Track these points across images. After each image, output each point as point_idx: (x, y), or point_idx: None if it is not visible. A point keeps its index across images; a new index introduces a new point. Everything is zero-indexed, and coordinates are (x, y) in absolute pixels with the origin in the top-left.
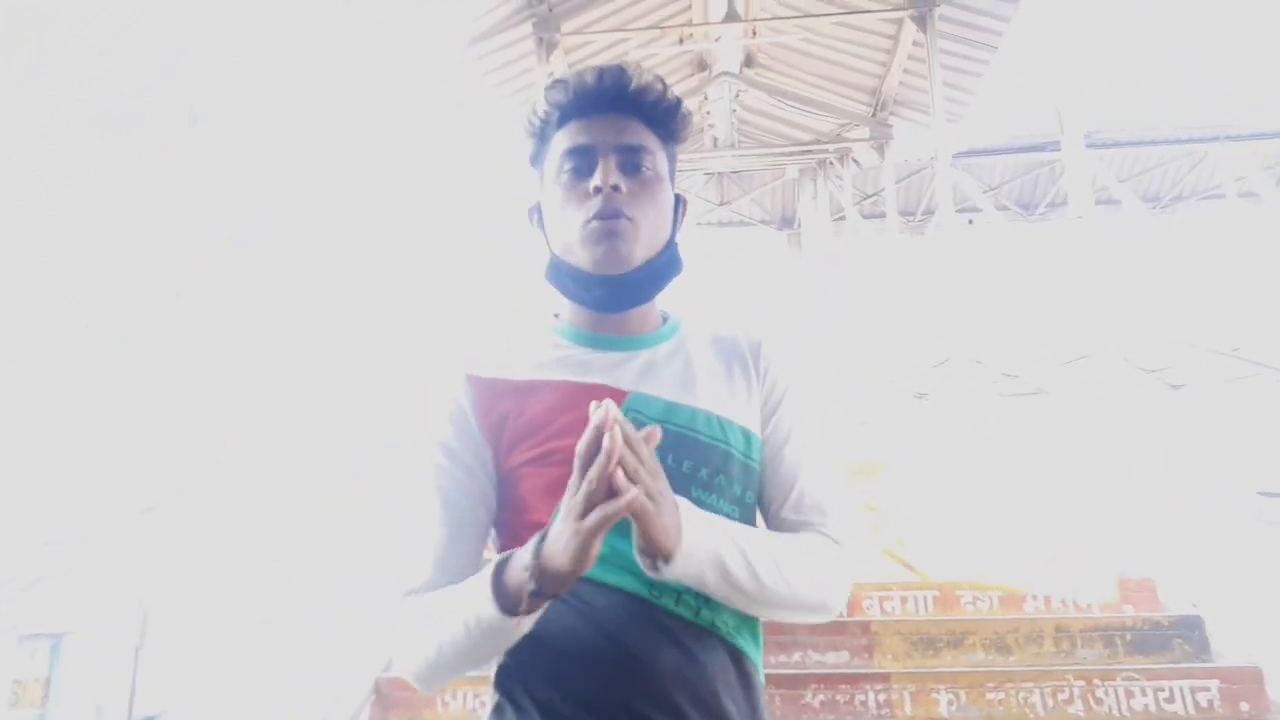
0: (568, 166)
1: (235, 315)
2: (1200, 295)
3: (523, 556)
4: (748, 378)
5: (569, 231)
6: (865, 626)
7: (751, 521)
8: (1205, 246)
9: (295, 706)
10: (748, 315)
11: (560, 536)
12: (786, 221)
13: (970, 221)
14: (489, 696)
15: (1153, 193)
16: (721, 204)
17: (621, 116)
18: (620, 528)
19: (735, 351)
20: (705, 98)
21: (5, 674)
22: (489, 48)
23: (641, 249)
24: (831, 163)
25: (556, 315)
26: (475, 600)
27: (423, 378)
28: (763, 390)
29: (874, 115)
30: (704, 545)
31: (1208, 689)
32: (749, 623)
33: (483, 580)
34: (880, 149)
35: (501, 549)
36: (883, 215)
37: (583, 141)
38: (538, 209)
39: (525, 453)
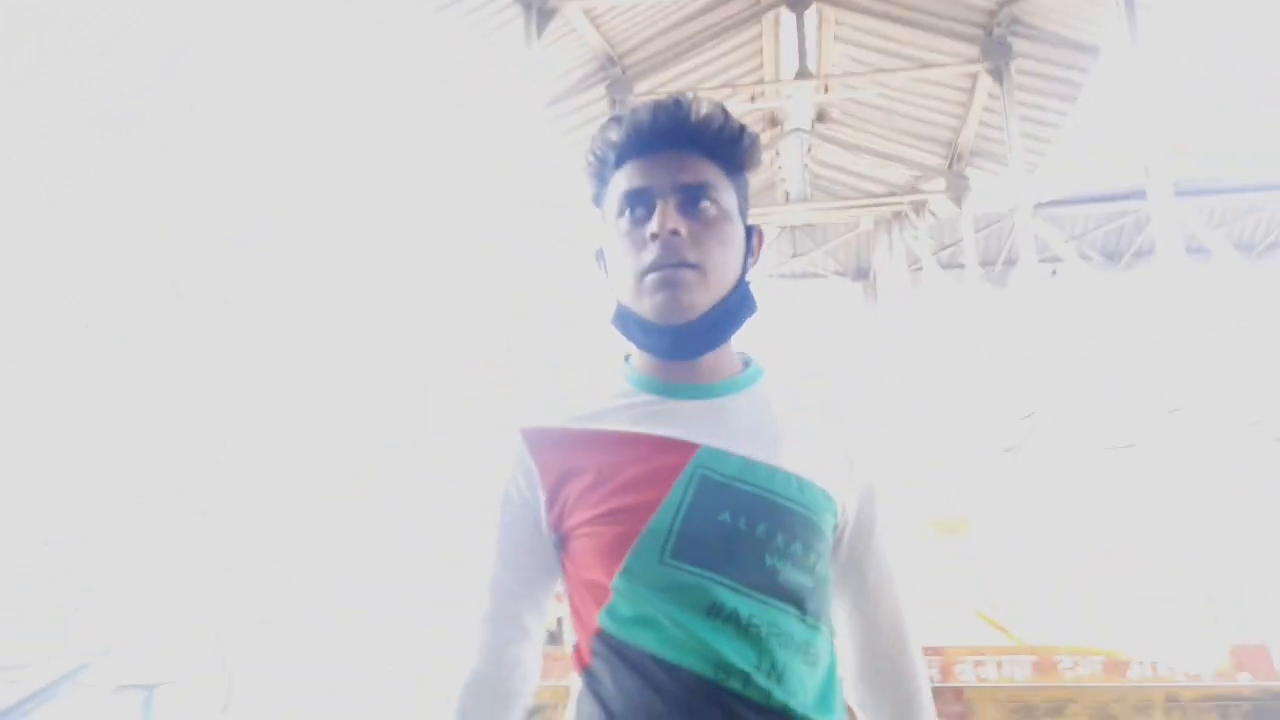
0: (626, 210)
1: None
2: None
3: None
4: (839, 439)
5: (628, 279)
6: (959, 693)
7: (826, 595)
8: None
9: None
10: (827, 369)
11: None
12: (861, 273)
13: (1054, 272)
14: None
15: (1246, 240)
16: (795, 256)
17: (681, 153)
18: (689, 601)
19: (826, 413)
20: (777, 153)
21: None
22: (565, 109)
23: (706, 295)
24: (907, 214)
25: (627, 358)
26: None
27: (480, 436)
28: (855, 459)
29: (950, 167)
30: None
31: None
32: (831, 702)
33: None
34: (958, 200)
35: (574, 605)
36: (961, 266)
37: (640, 184)
38: (603, 254)
39: (586, 510)
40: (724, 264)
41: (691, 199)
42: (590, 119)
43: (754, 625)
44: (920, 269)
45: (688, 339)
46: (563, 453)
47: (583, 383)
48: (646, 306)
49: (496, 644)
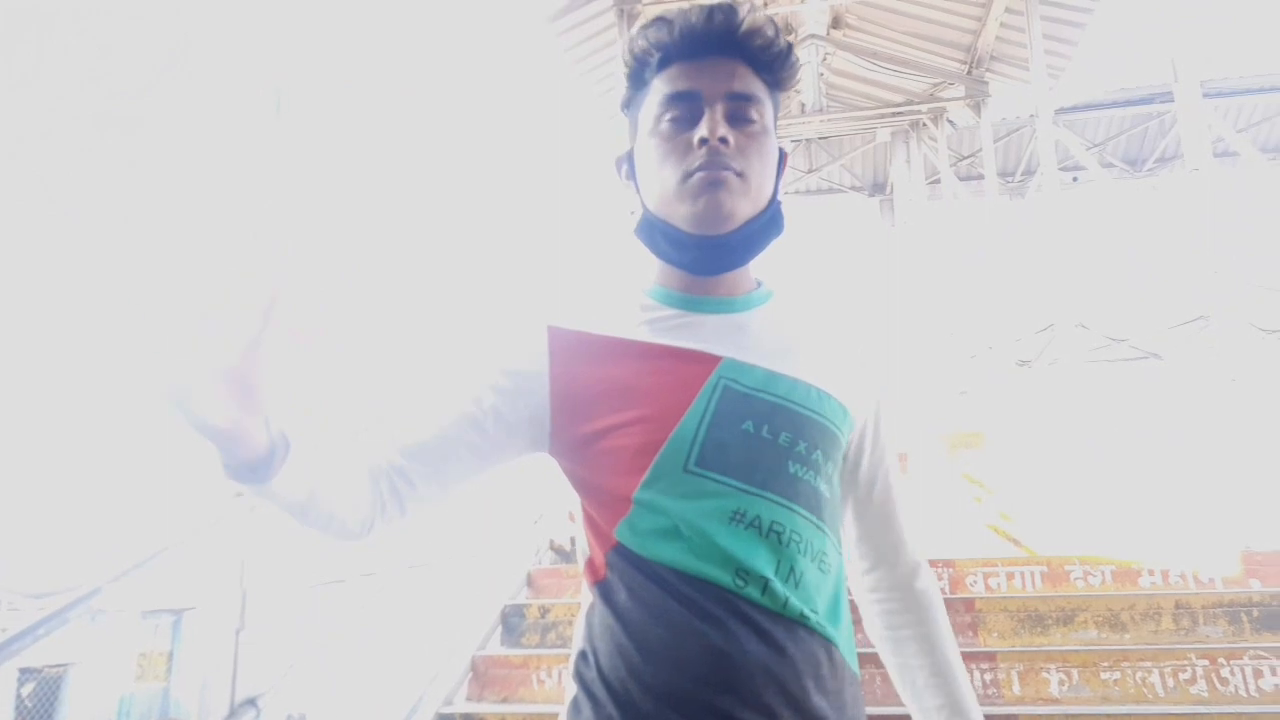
0: (669, 115)
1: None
2: None
3: None
4: (852, 363)
5: (667, 185)
6: (969, 604)
7: (838, 505)
8: None
9: (393, 687)
10: (840, 294)
11: None
12: (878, 187)
13: (1075, 180)
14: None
15: (1274, 143)
16: (810, 171)
17: (729, 60)
18: (712, 509)
19: (836, 330)
20: (799, 79)
21: (130, 648)
22: (569, 23)
23: (746, 206)
24: (925, 124)
25: (648, 277)
26: None
27: (501, 322)
28: (867, 382)
29: (969, 73)
30: None
31: None
32: (839, 611)
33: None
34: (976, 108)
35: (589, 517)
36: (980, 177)
37: (687, 87)
38: (628, 159)
39: (604, 418)
40: (764, 178)
41: (741, 110)
42: (596, 31)
43: (775, 531)
44: (938, 181)
45: (720, 253)
46: (583, 357)
47: (605, 294)
48: (685, 211)
49: (413, 453)
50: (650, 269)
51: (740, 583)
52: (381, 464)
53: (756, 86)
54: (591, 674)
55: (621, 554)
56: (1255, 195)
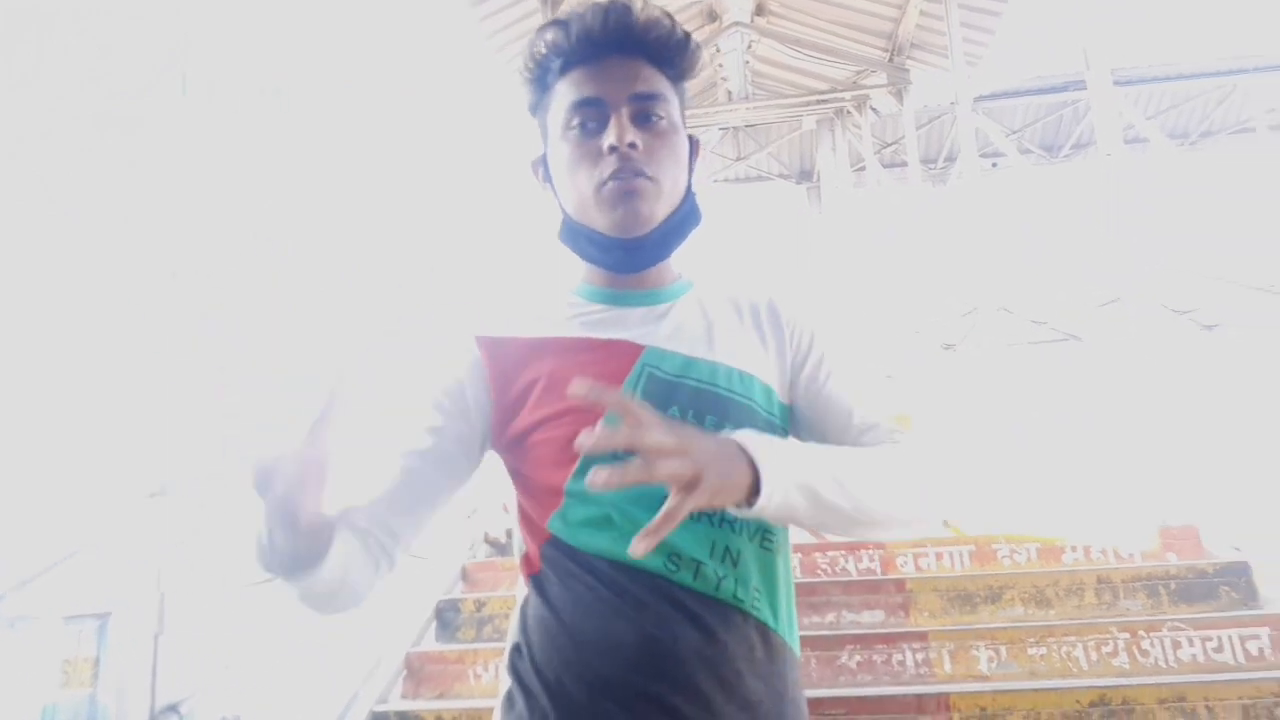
0: (575, 121)
1: (232, 298)
2: (1232, 232)
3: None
4: (770, 335)
5: (583, 192)
6: (900, 584)
7: None
8: (1236, 182)
9: (326, 685)
10: (757, 275)
11: None
12: (805, 175)
13: (994, 165)
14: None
15: (1180, 129)
16: (738, 159)
17: (629, 59)
18: (642, 496)
19: (753, 309)
20: (717, 49)
21: (53, 655)
22: (490, 8)
23: (661, 207)
24: (849, 111)
25: (576, 277)
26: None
27: (430, 338)
28: (791, 345)
29: (890, 60)
30: (786, 477)
31: (1258, 637)
32: (775, 591)
33: None
34: (899, 95)
35: (523, 512)
36: (903, 164)
37: (591, 94)
38: (543, 163)
39: (536, 412)
40: (676, 175)
41: (645, 110)
42: (519, 18)
43: (706, 514)
44: (863, 168)
45: (641, 252)
46: (515, 360)
47: (532, 294)
48: (603, 220)
49: (385, 511)
50: (577, 268)
51: (672, 567)
52: (363, 525)
53: (660, 83)
54: (525, 666)
55: (555, 546)
56: (1164, 180)
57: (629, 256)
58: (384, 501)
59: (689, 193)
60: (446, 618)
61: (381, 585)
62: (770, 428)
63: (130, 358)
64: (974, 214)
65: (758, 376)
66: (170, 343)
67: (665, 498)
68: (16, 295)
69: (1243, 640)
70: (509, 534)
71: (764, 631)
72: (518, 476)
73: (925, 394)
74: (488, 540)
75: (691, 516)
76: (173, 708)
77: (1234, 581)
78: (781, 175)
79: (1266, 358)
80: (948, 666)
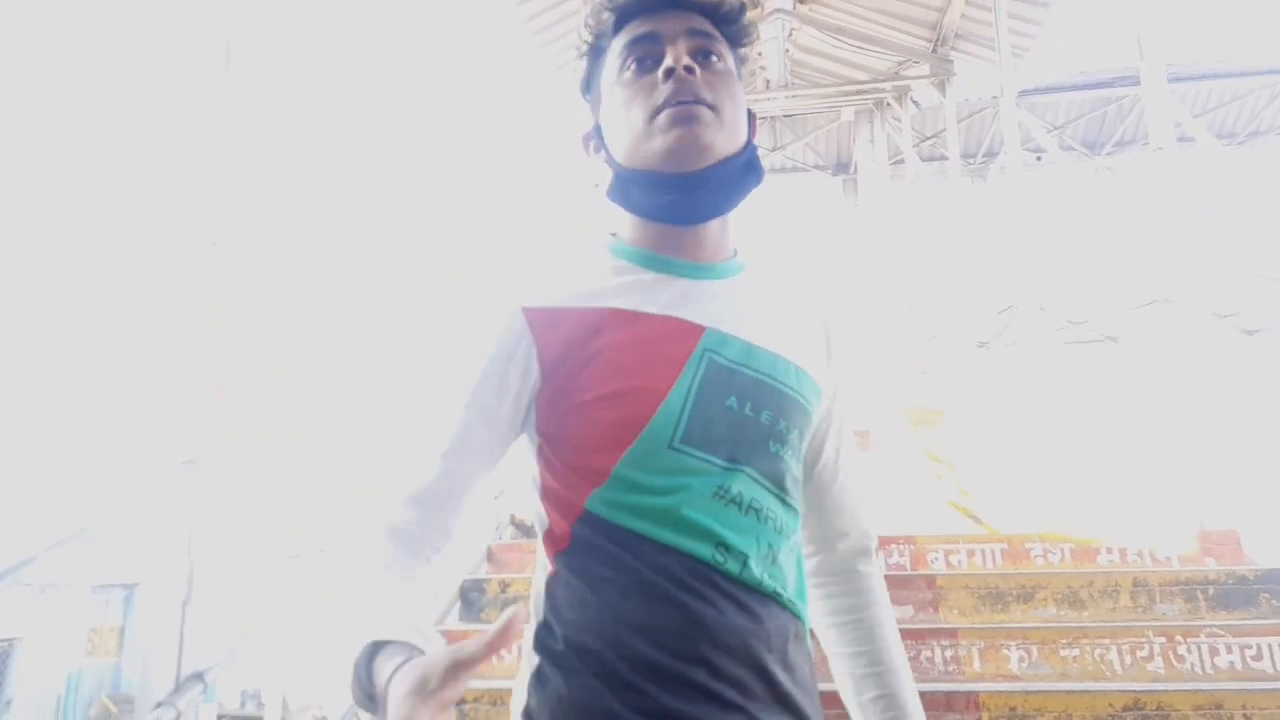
0: (632, 60)
1: (264, 269)
2: (1275, 234)
3: (379, 679)
4: (822, 346)
5: (635, 126)
6: (931, 580)
7: (799, 485)
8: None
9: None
10: (810, 268)
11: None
12: (842, 167)
13: (1038, 159)
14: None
15: (1228, 129)
16: (775, 149)
17: (685, 11)
18: (695, 486)
19: (808, 310)
20: (758, 37)
21: (80, 623)
22: (536, 8)
23: (723, 140)
24: (889, 103)
25: (614, 234)
26: (370, 619)
27: (475, 309)
28: (831, 362)
29: (934, 51)
30: None
31: None
32: (802, 586)
33: (360, 643)
34: (941, 86)
35: (550, 489)
36: (943, 158)
37: (646, 30)
38: (595, 133)
39: (590, 391)
40: (736, 115)
41: (703, 46)
42: (564, 17)
43: (754, 509)
44: (901, 161)
45: (701, 191)
46: (566, 334)
47: (576, 259)
48: (657, 147)
49: (432, 508)
50: (624, 230)
51: (720, 558)
52: (418, 534)
53: (717, 36)
54: (558, 644)
55: (591, 524)
56: (1210, 181)
57: (686, 199)
58: (437, 500)
59: (750, 144)
60: (471, 598)
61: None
62: (809, 428)
63: (164, 326)
64: (1013, 210)
65: (810, 372)
66: (205, 313)
67: (713, 491)
68: (54, 272)
69: None
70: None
71: (798, 626)
72: (556, 451)
73: (958, 389)
74: (514, 522)
75: (737, 509)
76: (199, 675)
77: (1275, 589)
78: (818, 166)
79: None
80: (977, 665)
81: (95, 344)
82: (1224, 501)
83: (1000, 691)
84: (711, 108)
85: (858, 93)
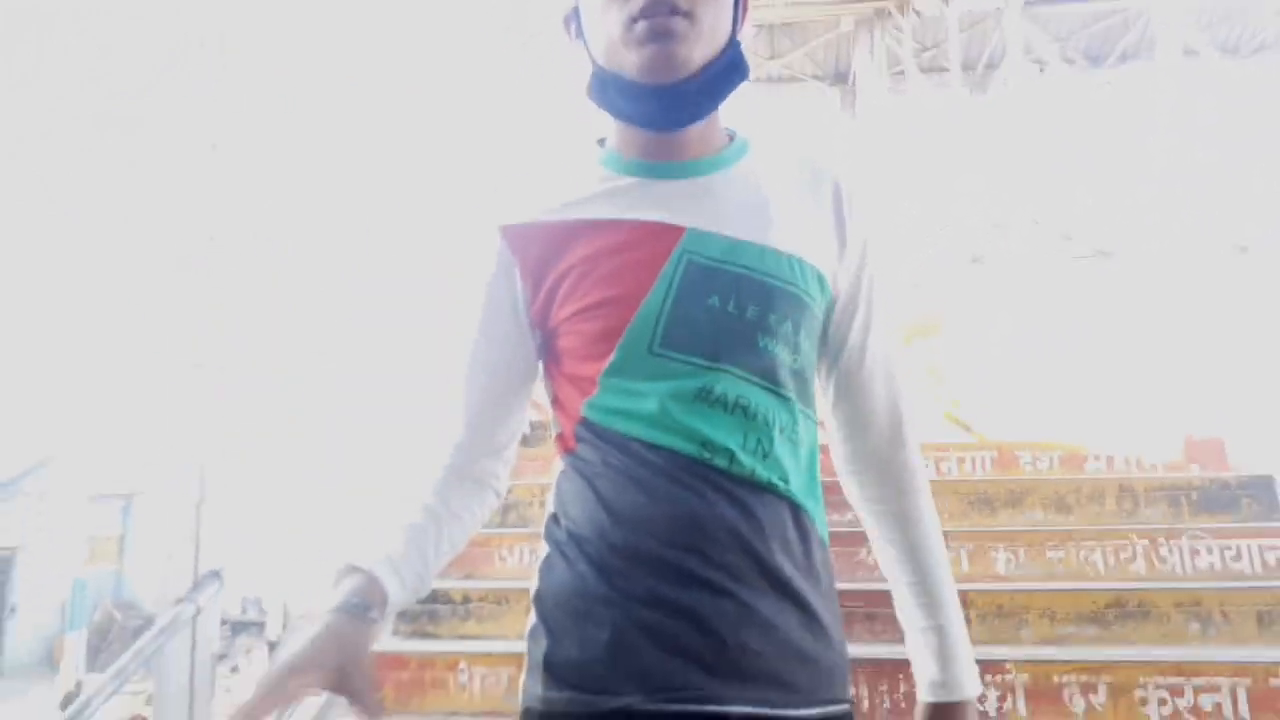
0: None
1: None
2: (1271, 149)
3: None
4: (832, 218)
5: (611, 33)
6: None
7: (810, 378)
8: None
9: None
10: (829, 152)
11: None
12: (840, 77)
13: (1041, 71)
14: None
15: (1232, 43)
16: (772, 58)
17: None
18: (677, 389)
19: (815, 182)
20: None
21: (79, 532)
22: None
23: (699, 50)
24: (890, 12)
25: (601, 142)
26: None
27: (456, 233)
28: (850, 241)
29: None
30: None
31: (1277, 547)
32: (808, 477)
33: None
34: None
35: (556, 397)
36: (943, 69)
37: None
38: (575, 14)
39: (569, 304)
40: (717, 18)
41: None
42: None
43: (742, 406)
44: (901, 73)
45: (679, 101)
46: (544, 247)
47: (556, 170)
48: (632, 62)
49: (473, 432)
50: (609, 134)
51: (707, 455)
52: (465, 467)
53: None
54: (562, 535)
55: (588, 427)
56: (1211, 93)
57: (664, 108)
58: (473, 429)
59: (733, 40)
60: None
61: (494, 507)
62: (813, 321)
63: (176, 239)
64: (1012, 124)
65: (812, 262)
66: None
67: (694, 392)
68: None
69: (1261, 550)
70: (532, 426)
71: (795, 511)
72: (553, 361)
73: (952, 304)
74: None
75: (721, 409)
76: (215, 573)
77: (1256, 494)
78: (815, 77)
79: None
80: (965, 566)
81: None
82: (1211, 411)
83: (987, 590)
84: (687, 15)
85: (857, 2)
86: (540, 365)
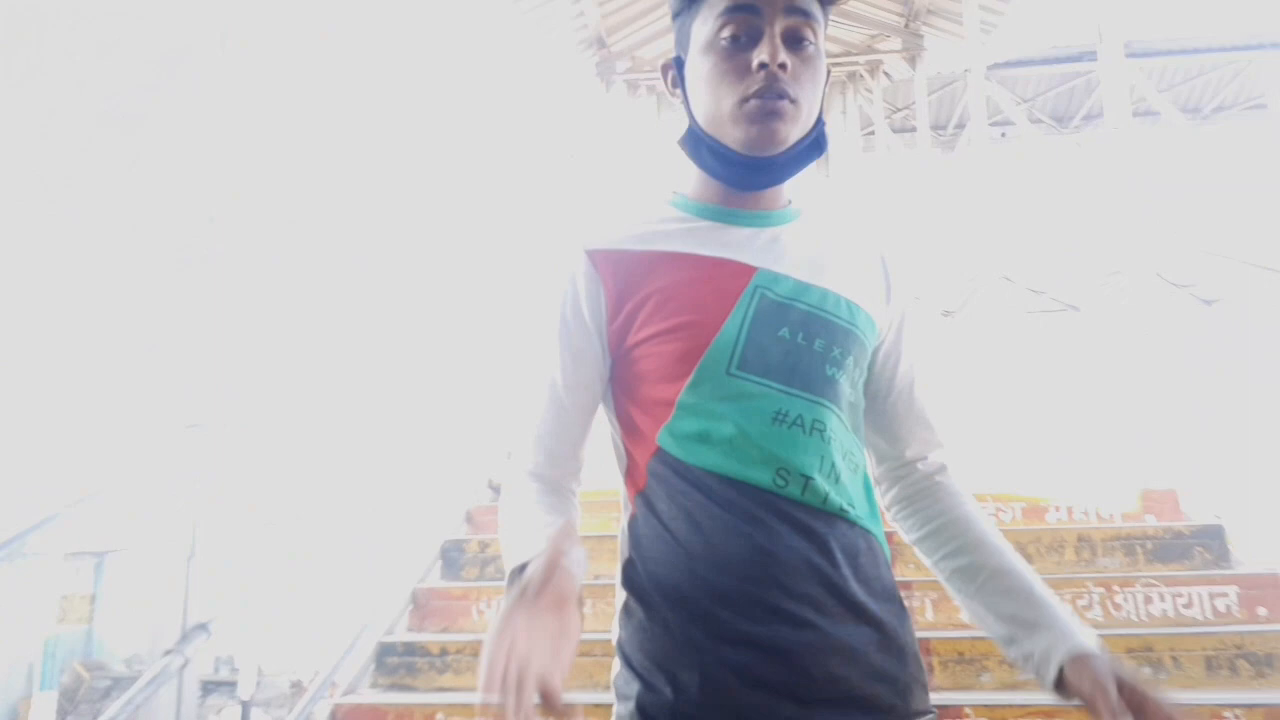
0: (726, 33)
1: (269, 242)
2: (1237, 208)
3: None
4: (879, 279)
5: (722, 106)
6: (889, 537)
7: (860, 409)
8: (1245, 158)
9: (336, 617)
10: (868, 221)
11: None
12: None
13: (1003, 135)
14: (616, 595)
15: (1193, 104)
16: None
17: None
18: (754, 409)
19: (862, 249)
20: None
21: (52, 591)
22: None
23: (797, 130)
24: (862, 75)
25: (675, 191)
26: (517, 548)
27: (540, 254)
28: (893, 300)
29: (906, 26)
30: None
31: (1226, 595)
32: (868, 501)
33: (524, 548)
34: (912, 61)
35: (629, 426)
36: (913, 130)
37: (747, 1)
38: (677, 66)
39: (648, 327)
40: (814, 102)
41: (797, 30)
42: None
43: (819, 430)
44: (872, 132)
45: (767, 172)
46: (626, 272)
47: (632, 208)
48: (737, 137)
49: (556, 446)
50: (686, 185)
51: (781, 482)
52: (558, 481)
53: (812, 3)
54: (640, 580)
55: (663, 460)
56: (1173, 154)
57: (752, 174)
58: (556, 439)
59: (819, 121)
60: (451, 557)
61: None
62: (865, 358)
63: (170, 295)
64: (981, 182)
65: (864, 308)
66: (208, 285)
67: (772, 415)
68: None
69: (1212, 597)
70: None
71: (868, 539)
72: (626, 389)
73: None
74: (491, 485)
75: (800, 430)
76: (202, 626)
77: (1208, 543)
78: None
79: (1263, 333)
80: (930, 615)
81: (96, 325)
82: (1167, 462)
83: (949, 638)
84: (794, 101)
85: (831, 64)
86: (609, 398)
